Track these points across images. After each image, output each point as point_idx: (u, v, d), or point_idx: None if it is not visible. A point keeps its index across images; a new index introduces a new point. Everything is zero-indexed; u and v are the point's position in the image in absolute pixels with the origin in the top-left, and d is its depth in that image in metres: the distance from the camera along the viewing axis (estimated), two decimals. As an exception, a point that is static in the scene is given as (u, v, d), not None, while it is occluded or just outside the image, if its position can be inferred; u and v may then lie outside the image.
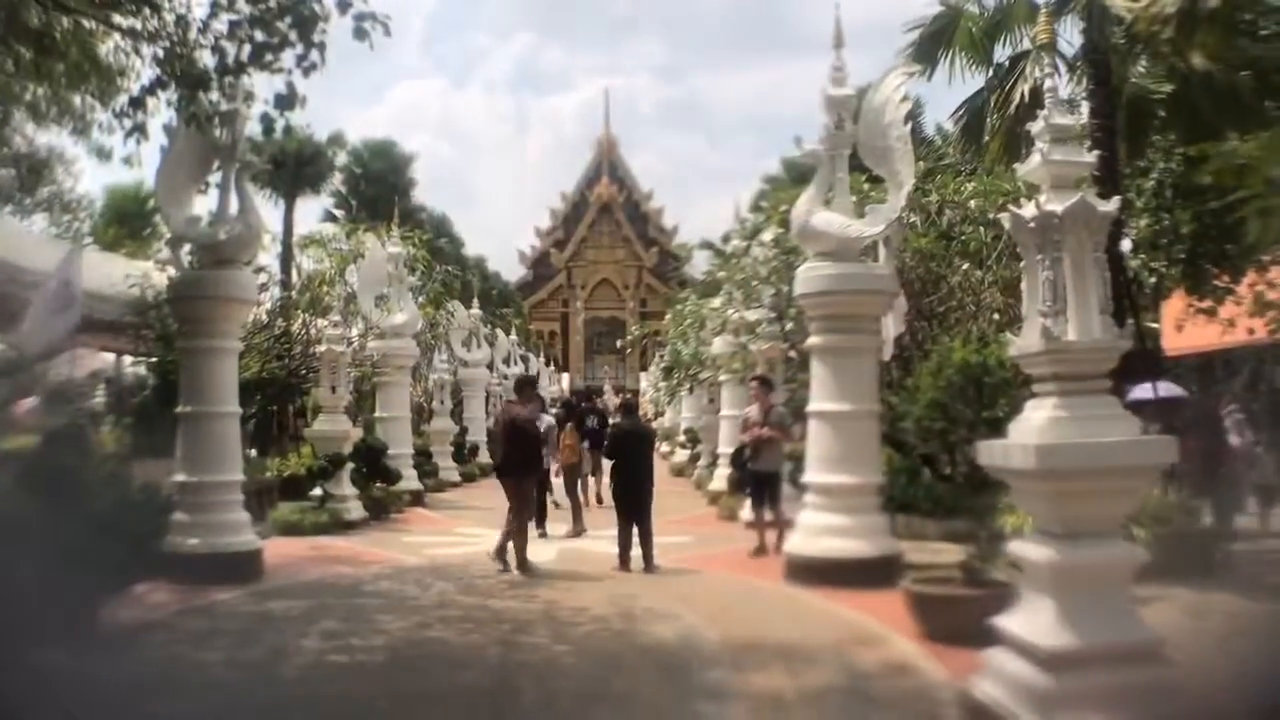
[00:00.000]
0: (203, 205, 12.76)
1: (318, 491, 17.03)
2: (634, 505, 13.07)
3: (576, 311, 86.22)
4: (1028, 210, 6.69)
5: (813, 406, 12.15)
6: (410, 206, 34.26)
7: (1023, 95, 14.86)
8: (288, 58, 9.85)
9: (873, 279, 12.09)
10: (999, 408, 8.83)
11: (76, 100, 14.39)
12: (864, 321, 12.17)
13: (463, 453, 29.59)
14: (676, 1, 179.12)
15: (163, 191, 12.45)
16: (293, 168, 32.21)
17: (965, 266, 15.84)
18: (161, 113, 10.89)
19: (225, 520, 11.97)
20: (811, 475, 12.09)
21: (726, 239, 50.95)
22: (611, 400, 35.86)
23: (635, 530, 12.99)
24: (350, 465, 17.77)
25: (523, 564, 12.71)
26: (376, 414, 22.06)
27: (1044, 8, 11.12)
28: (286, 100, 10.11)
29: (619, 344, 57.21)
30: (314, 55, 9.55)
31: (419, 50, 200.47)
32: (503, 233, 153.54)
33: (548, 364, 63.95)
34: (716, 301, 21.97)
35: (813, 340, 12.24)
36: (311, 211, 74.11)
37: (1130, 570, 6.38)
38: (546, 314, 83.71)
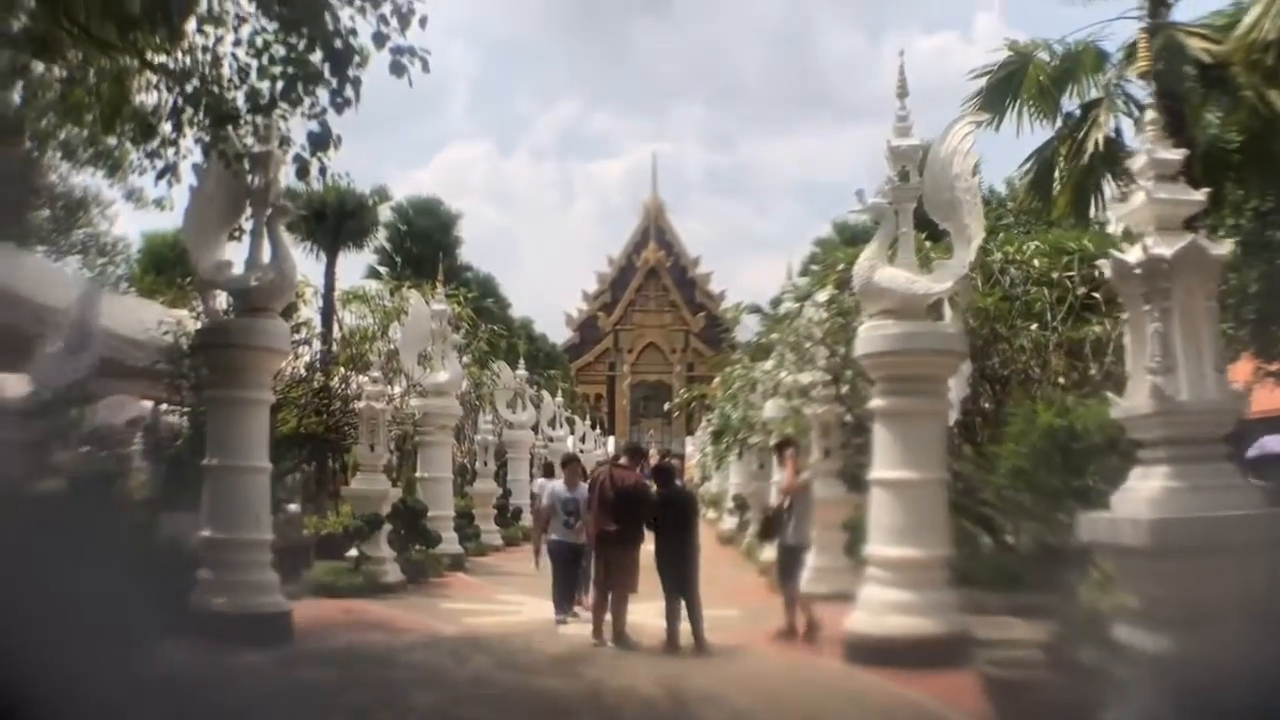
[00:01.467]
0: (235, 252, 12.31)
1: (353, 552, 16.39)
2: (680, 578, 12.30)
3: (623, 375, 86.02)
4: (1133, 254, 5.97)
5: (876, 474, 11.41)
6: (456, 265, 33.86)
7: (1096, 144, 14.16)
8: (321, 95, 9.45)
9: (940, 338, 11.39)
10: (1088, 476, 8.10)
11: (111, 141, 14.03)
12: (931, 383, 11.45)
13: (506, 516, 28.89)
14: (722, 68, 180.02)
15: (191, 234, 11.98)
16: (334, 221, 31.78)
17: (1034, 327, 15.05)
18: (194, 154, 10.54)
19: (253, 580, 11.36)
20: (874, 548, 11.32)
21: (776, 302, 50.55)
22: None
23: (683, 604, 12.22)
24: (388, 526, 17.13)
25: (619, 636, 12.13)
26: (417, 474, 21.45)
27: (1140, 37, 10.31)
28: (320, 140, 9.64)
29: (666, 407, 56.37)
30: (349, 91, 9.08)
31: (464, 114, 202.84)
32: (547, 297, 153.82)
33: (594, 427, 63.44)
34: (768, 364, 21.23)
35: (876, 403, 11.53)
36: (354, 266, 74.52)
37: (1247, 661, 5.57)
38: (593, 377, 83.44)
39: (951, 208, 11.39)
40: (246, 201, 11.91)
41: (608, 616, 12.28)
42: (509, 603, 15.84)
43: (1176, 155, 6.45)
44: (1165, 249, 5.84)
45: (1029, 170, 15.93)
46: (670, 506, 12.57)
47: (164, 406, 16.90)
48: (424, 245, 39.88)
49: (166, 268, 32.22)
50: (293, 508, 21.70)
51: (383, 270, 36.92)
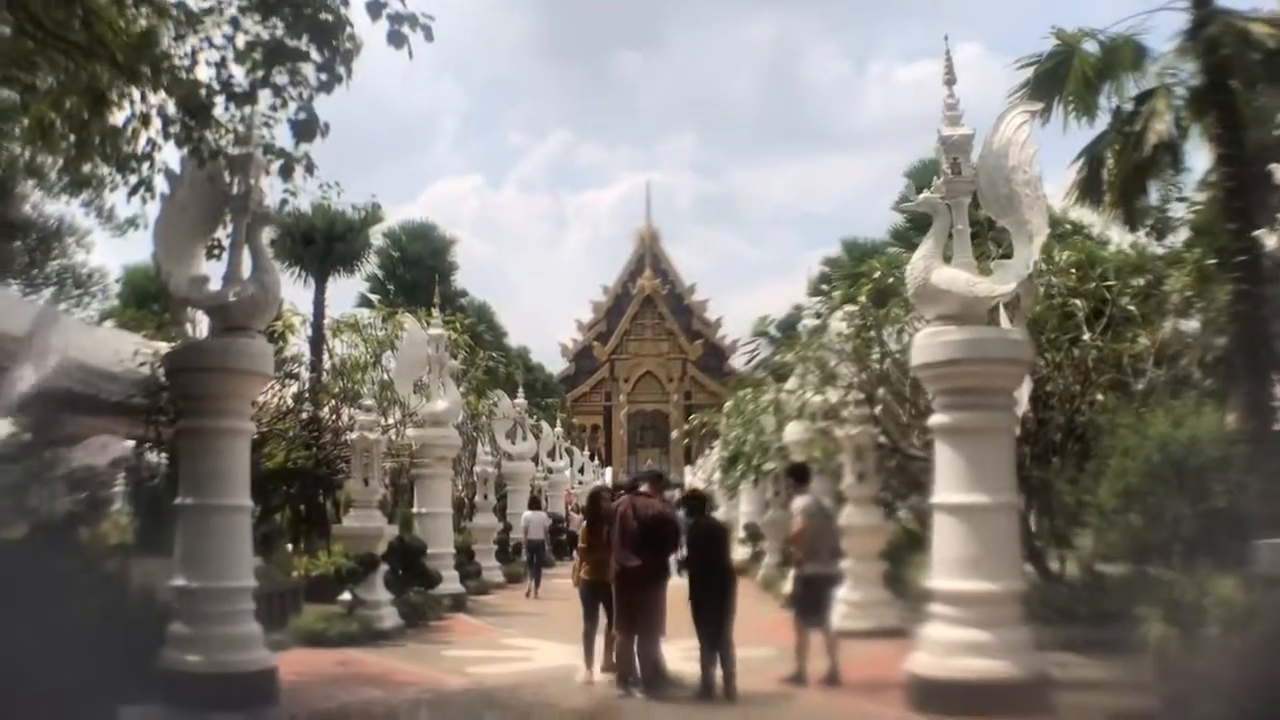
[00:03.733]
0: (214, 271, 10.97)
1: (346, 596, 15.00)
2: (716, 618, 10.93)
3: (619, 405, 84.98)
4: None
5: (940, 498, 10.13)
6: (451, 291, 32.39)
7: (1158, 135, 12.90)
8: (308, 77, 8.27)
9: (1009, 345, 10.14)
10: (1216, 496, 6.80)
11: (86, 168, 12.96)
12: (998, 396, 10.20)
13: (507, 551, 27.46)
14: (710, 99, 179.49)
15: (163, 246, 10.53)
16: (323, 245, 30.34)
17: (1086, 336, 13.83)
18: (171, 158, 9.49)
19: (232, 634, 9.91)
20: (940, 581, 10.04)
21: (785, 325, 49.49)
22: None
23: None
24: (384, 567, 15.74)
25: (649, 683, 10.81)
26: (414, 509, 20.03)
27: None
28: (305, 128, 8.46)
29: (674, 435, 55.11)
30: (338, 68, 7.95)
31: (453, 148, 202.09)
32: (540, 329, 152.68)
33: (591, 458, 62.14)
34: (789, 384, 19.93)
35: (938, 419, 10.24)
36: (344, 292, 72.95)
37: None
38: (589, 407, 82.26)
39: (1010, 202, 10.23)
40: (224, 210, 10.58)
41: (633, 662, 10.95)
42: (517, 648, 14.47)
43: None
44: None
45: (1081, 169, 14.65)
46: (703, 539, 11.22)
47: (147, 445, 15.64)
48: (417, 271, 38.39)
49: (148, 301, 30.95)
50: (283, 548, 20.41)
51: (374, 298, 35.42)
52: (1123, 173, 13.96)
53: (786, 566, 15.47)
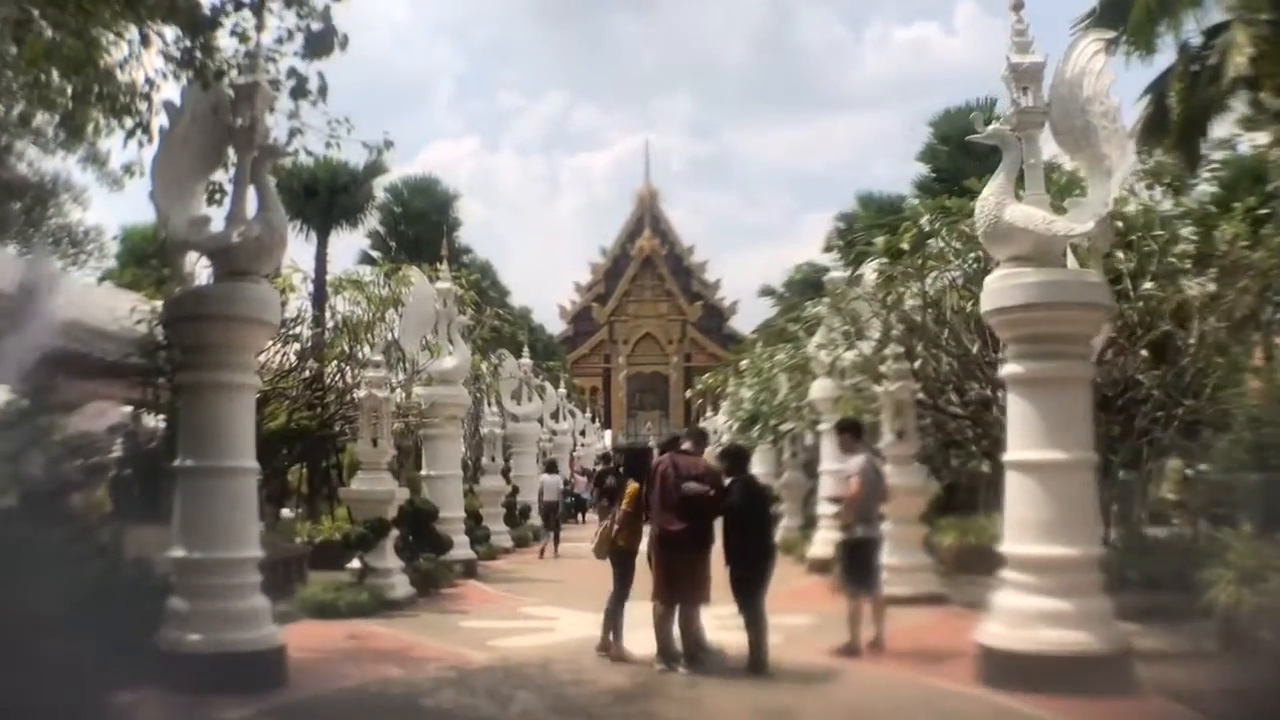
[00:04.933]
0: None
1: (356, 564, 14.11)
2: (756, 584, 10.09)
3: (618, 367, 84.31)
4: None
5: (1014, 455, 9.26)
6: (455, 249, 31.28)
7: (1236, 68, 11.92)
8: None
9: (1089, 289, 9.23)
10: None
11: (83, 118, 12.21)
12: (1076, 343, 9.32)
13: (514, 514, 26.60)
14: (707, 61, 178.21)
15: (161, 185, 9.42)
16: (326, 197, 29.22)
17: (1148, 286, 12.90)
18: (169, 89, 8.74)
19: (237, 609, 8.98)
20: (1013, 545, 9.20)
21: (794, 284, 48.59)
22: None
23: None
24: (395, 532, 14.86)
25: (692, 658, 10.01)
26: (423, 471, 19.13)
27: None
28: (320, 41, 7.51)
29: (688, 394, 54.23)
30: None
31: (450, 110, 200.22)
32: (536, 292, 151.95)
33: (591, 420, 61.34)
34: (816, 340, 18.99)
35: (1012, 369, 9.34)
36: (345, 249, 71.37)
37: None
38: (588, 369, 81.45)
39: (1085, 135, 9.28)
40: (228, 144, 9.53)
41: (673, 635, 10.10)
42: (538, 618, 13.59)
43: None
44: None
45: (1148, 105, 13.66)
46: (746, 498, 10.29)
47: (144, 409, 14.83)
48: (420, 227, 37.10)
49: (146, 261, 29.92)
50: (284, 513, 19.54)
51: (376, 255, 34.26)
52: (1185, 112, 13.01)
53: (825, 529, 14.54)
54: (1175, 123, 13.26)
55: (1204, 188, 16.93)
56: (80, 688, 7.22)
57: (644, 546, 10.65)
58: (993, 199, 9.37)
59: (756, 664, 9.81)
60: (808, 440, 23.34)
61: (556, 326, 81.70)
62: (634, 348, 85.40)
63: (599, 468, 27.84)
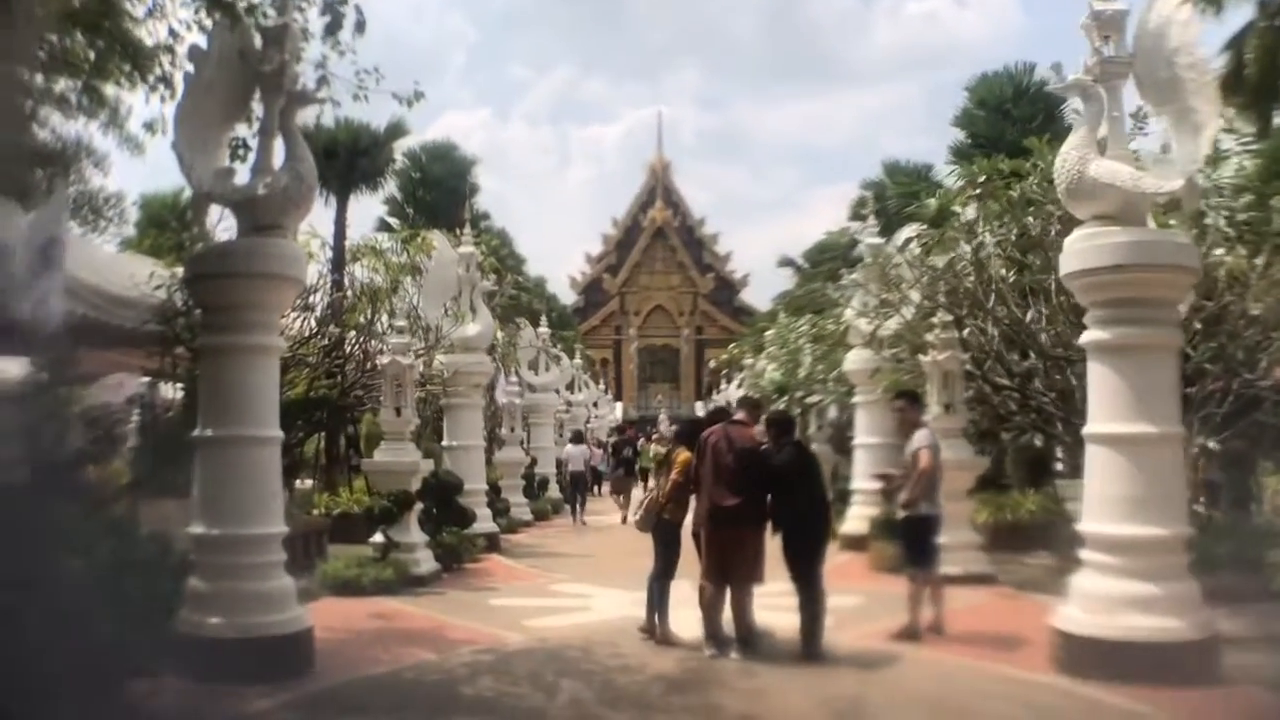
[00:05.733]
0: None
1: (378, 538, 13.50)
2: (808, 561, 9.46)
3: (629, 339, 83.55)
4: None
5: (1097, 428, 8.61)
6: (475, 214, 30.49)
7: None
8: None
9: (1178, 250, 8.60)
10: None
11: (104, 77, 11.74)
12: (1165, 308, 8.67)
13: (532, 486, 26.02)
14: (715, 34, 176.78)
15: (185, 134, 8.71)
16: (346, 159, 28.41)
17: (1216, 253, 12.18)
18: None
19: (261, 590, 8.37)
20: (1094, 524, 8.58)
21: (813, 257, 47.74)
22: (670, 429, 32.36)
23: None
24: (419, 506, 14.24)
25: (745, 641, 9.41)
26: (445, 441, 18.49)
27: None
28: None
29: (712, 365, 53.57)
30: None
31: (462, 82, 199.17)
32: (546, 264, 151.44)
33: (605, 391, 60.71)
34: (852, 308, 18.26)
35: (1095, 335, 8.67)
36: (362, 216, 70.42)
37: None
38: (599, 341, 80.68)
39: (1172, 88, 8.60)
40: (254, 90, 8.83)
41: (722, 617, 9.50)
42: (571, 595, 12.97)
43: None
44: None
45: (1229, 61, 12.91)
46: (796, 466, 9.60)
47: (163, 378, 14.28)
48: (438, 193, 36.18)
49: (167, 229, 29.27)
50: (299, 484, 18.96)
51: (394, 222, 33.47)
52: (1262, 71, 12.25)
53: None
54: (1250, 82, 12.51)
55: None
56: (93, 674, 6.63)
57: (688, 521, 10.03)
58: (1075, 153, 8.68)
59: (811, 648, 9.19)
60: (832, 414, 22.76)
61: (567, 298, 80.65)
62: (645, 320, 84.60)
63: (613, 439, 27.35)
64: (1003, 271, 14.10)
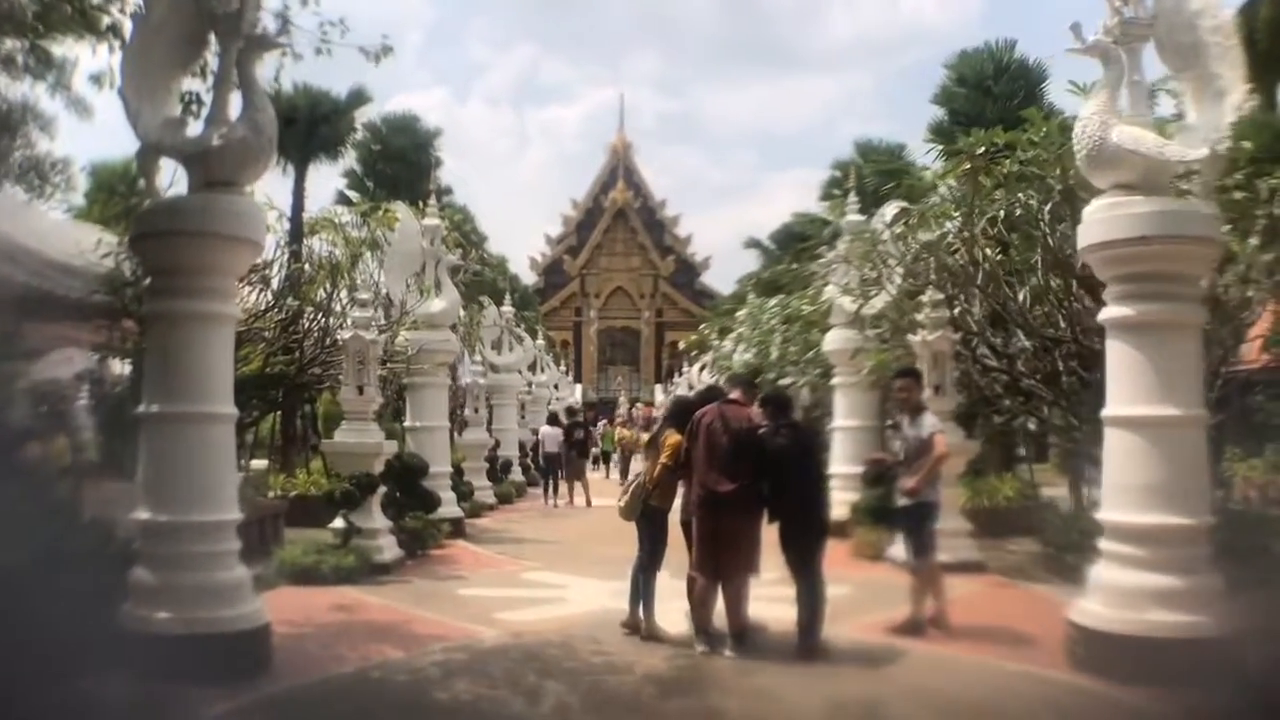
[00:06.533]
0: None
1: (339, 523, 12.75)
2: (808, 550, 8.84)
3: (590, 321, 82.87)
4: None
5: (1116, 410, 8.06)
6: (439, 188, 29.64)
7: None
8: None
9: (1205, 221, 8.04)
10: None
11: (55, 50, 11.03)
12: (1189, 283, 8.12)
13: (495, 469, 25.33)
14: (675, 18, 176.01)
15: (131, 80, 7.87)
16: (305, 128, 27.36)
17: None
18: None
19: (213, 582, 7.60)
20: (1114, 512, 8.05)
21: (780, 238, 47.09)
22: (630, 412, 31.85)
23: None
24: (381, 489, 13.51)
25: (739, 637, 8.75)
26: (407, 422, 17.73)
27: None
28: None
29: (682, 346, 52.90)
30: None
31: (419, 61, 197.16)
32: (504, 245, 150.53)
33: (566, 373, 59.99)
34: (832, 287, 17.68)
35: (1115, 312, 8.11)
36: (320, 188, 68.81)
37: None
38: (559, 322, 79.91)
39: (1194, 53, 8.10)
40: (209, 33, 8.04)
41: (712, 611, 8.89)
42: (543, 585, 12.31)
43: None
44: None
45: (1239, 27, 12.32)
46: (794, 447, 8.92)
47: (110, 352, 13.54)
48: (400, 166, 35.03)
49: (118, 199, 28.10)
50: (257, 464, 18.20)
51: (353, 196, 32.45)
52: (1271, 43, 11.73)
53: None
54: (1259, 55, 11.98)
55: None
56: (28, 672, 5.94)
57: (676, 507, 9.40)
58: (1096, 119, 8.10)
59: (809, 645, 8.59)
60: (804, 398, 22.23)
61: (528, 279, 79.60)
62: (605, 301, 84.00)
63: (568, 421, 26.90)
64: (988, 251, 13.57)
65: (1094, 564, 8.24)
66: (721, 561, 8.66)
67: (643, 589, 9.31)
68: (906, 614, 9.51)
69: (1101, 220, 8.02)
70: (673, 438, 9.14)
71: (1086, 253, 8.34)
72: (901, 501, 9.78)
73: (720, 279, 78.74)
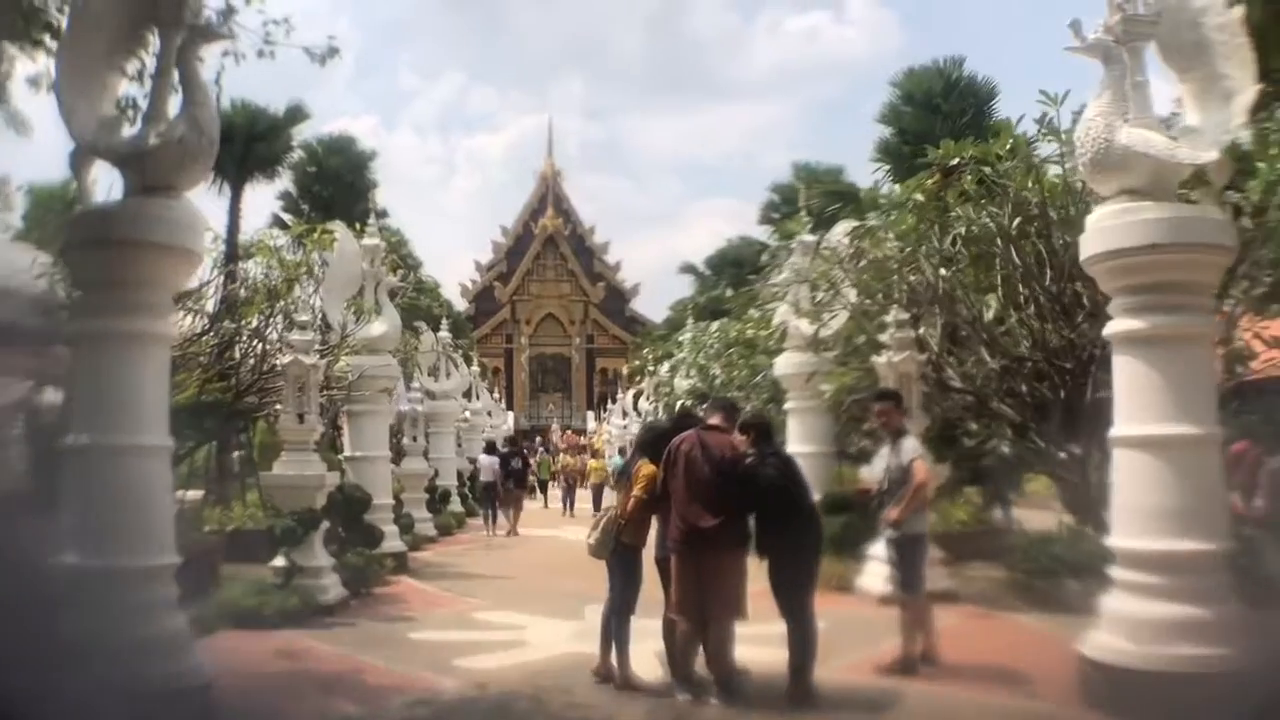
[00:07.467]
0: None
1: (280, 562, 11.92)
2: (799, 588, 8.22)
3: (521, 348, 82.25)
4: None
5: (1126, 430, 7.62)
6: (376, 209, 28.84)
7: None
8: None
9: (1216, 228, 7.64)
10: None
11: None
12: (1202, 294, 7.73)
13: (434, 499, 24.43)
14: (600, 45, 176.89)
15: (67, 74, 7.23)
16: (242, 146, 26.49)
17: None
18: None
19: (147, 635, 6.83)
20: (1127, 539, 7.61)
21: (716, 264, 46.83)
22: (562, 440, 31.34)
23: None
24: (324, 524, 12.70)
25: (728, 681, 8.07)
26: (345, 452, 16.84)
27: None
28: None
29: (626, 371, 52.32)
30: None
31: (349, 89, 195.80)
32: (435, 272, 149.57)
33: (498, 400, 59.09)
34: (782, 309, 17.21)
35: (1123, 325, 7.69)
36: (257, 210, 67.43)
37: None
38: (490, 350, 79.19)
39: (1200, 52, 7.81)
40: (149, 24, 7.39)
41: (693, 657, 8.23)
42: (500, 626, 11.51)
43: None
44: None
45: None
46: (779, 476, 8.27)
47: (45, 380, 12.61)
48: (336, 188, 34.16)
49: (55, 220, 26.87)
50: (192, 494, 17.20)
51: (288, 218, 31.49)
52: (1263, 30, 11.34)
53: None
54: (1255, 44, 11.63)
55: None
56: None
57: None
58: (1101, 120, 7.68)
59: (801, 690, 7.96)
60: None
61: (459, 306, 78.77)
62: (536, 328, 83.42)
63: (505, 450, 26.29)
64: (953, 267, 13.16)
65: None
66: (706, 602, 7.99)
67: (615, 634, 8.61)
68: (897, 651, 8.94)
69: (1108, 228, 7.59)
70: (646, 468, 8.46)
71: (1091, 263, 7.87)
72: (886, 534, 9.21)
73: (648, 306, 78.70)
